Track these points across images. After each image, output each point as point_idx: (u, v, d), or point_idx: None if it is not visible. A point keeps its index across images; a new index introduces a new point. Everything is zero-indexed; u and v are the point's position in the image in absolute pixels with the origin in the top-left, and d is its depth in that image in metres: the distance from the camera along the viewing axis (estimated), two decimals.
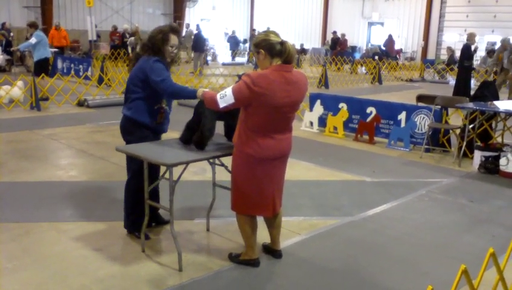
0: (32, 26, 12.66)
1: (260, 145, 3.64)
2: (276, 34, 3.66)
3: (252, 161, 3.68)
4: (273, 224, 4.07)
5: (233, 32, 29.33)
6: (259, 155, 3.65)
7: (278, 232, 4.13)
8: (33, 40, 12.06)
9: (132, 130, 4.31)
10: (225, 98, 3.57)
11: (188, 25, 27.76)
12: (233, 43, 28.81)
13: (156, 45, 4.23)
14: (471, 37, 13.34)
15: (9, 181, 6.02)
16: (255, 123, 3.62)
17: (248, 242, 3.96)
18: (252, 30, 30.57)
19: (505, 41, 12.76)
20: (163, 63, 4.22)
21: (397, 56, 26.73)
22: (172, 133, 4.61)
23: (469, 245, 4.57)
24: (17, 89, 11.51)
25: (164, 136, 4.56)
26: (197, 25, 23.25)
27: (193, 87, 4.32)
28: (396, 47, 27.00)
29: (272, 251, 4.17)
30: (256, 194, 3.79)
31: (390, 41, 25.49)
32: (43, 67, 12.36)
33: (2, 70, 18.33)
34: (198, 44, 20.41)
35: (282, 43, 3.57)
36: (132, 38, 21.55)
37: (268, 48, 3.57)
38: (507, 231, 4.87)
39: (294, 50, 3.63)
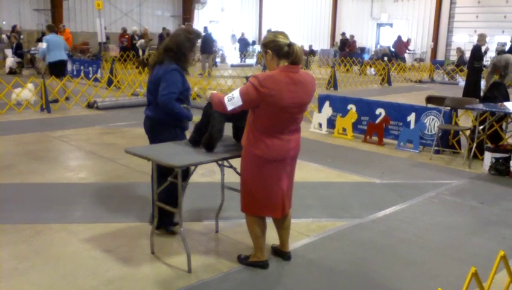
0: (47, 29, 13.04)
1: (268, 146, 3.64)
2: (285, 35, 3.67)
3: (260, 161, 3.69)
4: (282, 225, 4.07)
5: (243, 34, 29.39)
6: (267, 156, 3.66)
7: (287, 234, 4.13)
8: (43, 45, 12.42)
9: (162, 130, 4.38)
10: (233, 100, 3.58)
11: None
12: (243, 44, 28.90)
13: (183, 52, 4.30)
14: (481, 38, 13.25)
15: (20, 183, 6.07)
16: (263, 124, 3.62)
17: (257, 244, 3.96)
18: (267, 31, 30.51)
19: (498, 62, 11.92)
20: (181, 72, 4.30)
21: (408, 49, 26.52)
22: None
23: (479, 247, 4.54)
24: (27, 91, 11.60)
25: None
26: (205, 27, 23.26)
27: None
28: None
29: (281, 252, 4.17)
30: (265, 195, 3.79)
31: (399, 42, 25.40)
32: (55, 70, 12.48)
33: (13, 73, 18.48)
34: (207, 46, 20.46)
35: (290, 45, 3.59)
36: (142, 40, 21.64)
37: (276, 49, 3.59)
38: None
39: (301, 52, 3.64)
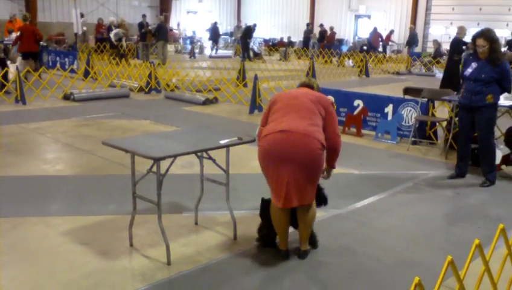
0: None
1: (266, 130, 3.86)
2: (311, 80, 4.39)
3: (260, 147, 3.87)
4: (300, 218, 4.02)
5: (215, 23, 28.17)
6: (263, 132, 3.88)
7: (302, 230, 4.05)
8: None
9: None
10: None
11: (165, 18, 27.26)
12: (214, 34, 27.76)
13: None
14: (461, 31, 13.36)
15: None
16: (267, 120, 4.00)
17: (277, 231, 4.05)
18: (244, 24, 29.78)
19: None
20: None
21: (387, 43, 26.67)
22: (159, 126, 4.58)
23: (455, 237, 4.63)
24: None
25: (153, 129, 4.54)
26: (161, 19, 22.87)
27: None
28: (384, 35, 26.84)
29: (298, 249, 4.13)
30: (270, 181, 3.87)
31: (375, 33, 25.48)
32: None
33: None
34: (161, 33, 19.97)
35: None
36: (120, 30, 20.92)
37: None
38: (492, 223, 4.92)
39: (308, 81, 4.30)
